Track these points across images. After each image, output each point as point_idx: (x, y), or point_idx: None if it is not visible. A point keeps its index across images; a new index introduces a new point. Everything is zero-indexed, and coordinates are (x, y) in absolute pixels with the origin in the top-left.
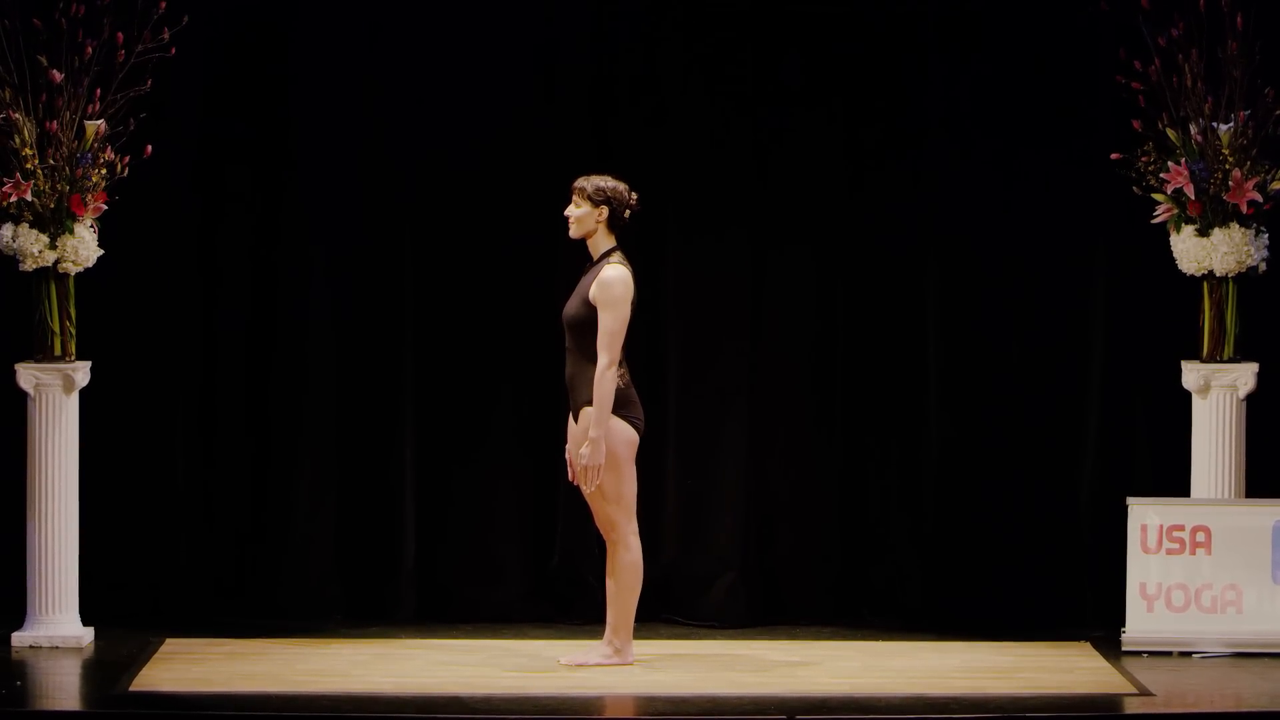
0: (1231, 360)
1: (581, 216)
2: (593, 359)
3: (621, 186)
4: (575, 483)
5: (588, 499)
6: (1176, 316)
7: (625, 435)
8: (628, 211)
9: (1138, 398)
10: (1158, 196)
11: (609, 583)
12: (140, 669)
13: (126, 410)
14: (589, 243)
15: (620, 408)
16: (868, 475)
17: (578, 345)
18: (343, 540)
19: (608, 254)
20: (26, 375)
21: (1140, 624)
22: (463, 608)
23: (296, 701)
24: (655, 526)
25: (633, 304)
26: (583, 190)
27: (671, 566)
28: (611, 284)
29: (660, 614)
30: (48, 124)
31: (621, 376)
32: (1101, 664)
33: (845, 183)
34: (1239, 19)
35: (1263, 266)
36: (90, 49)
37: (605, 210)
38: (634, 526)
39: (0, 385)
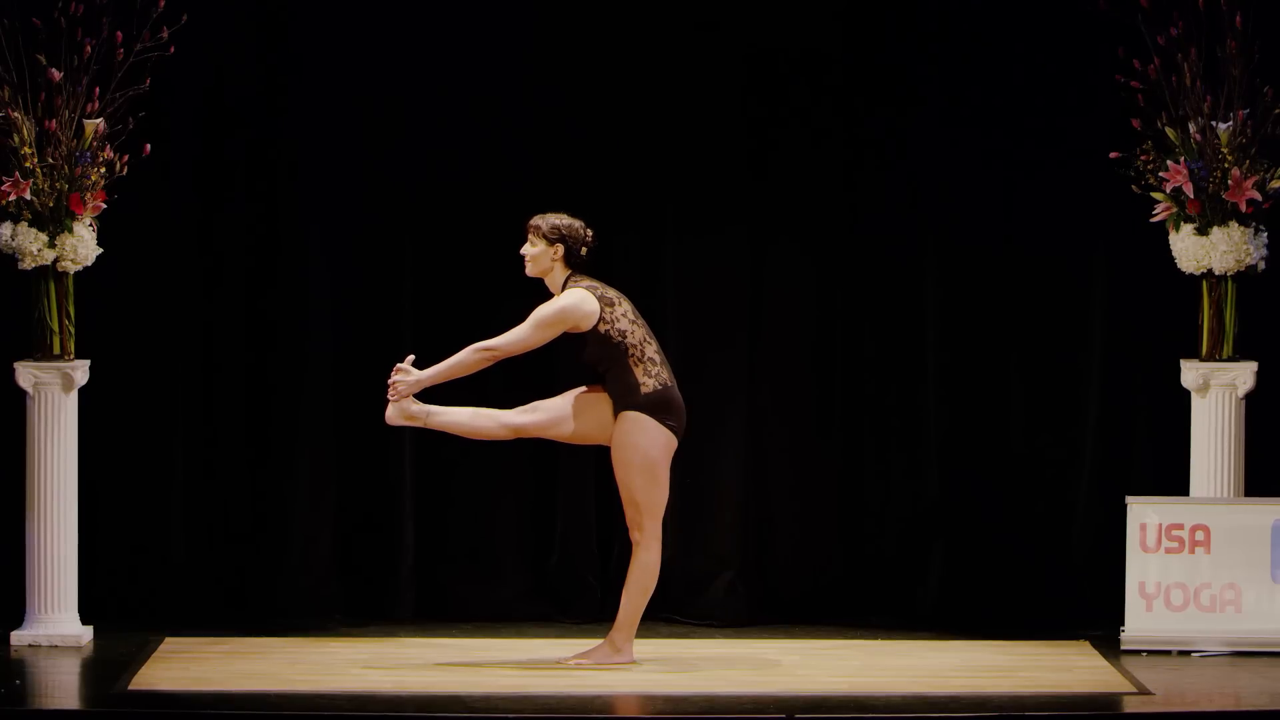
0: (1230, 359)
1: (537, 255)
2: (618, 372)
3: (577, 224)
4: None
5: (621, 495)
6: (1175, 315)
7: (662, 440)
8: (584, 249)
9: (1137, 396)
10: (1157, 195)
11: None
12: (139, 668)
13: (125, 409)
14: (547, 281)
15: (659, 412)
16: (866, 473)
17: (603, 368)
18: (342, 539)
19: (565, 284)
20: (25, 374)
21: (1139, 623)
22: (462, 606)
23: (295, 700)
24: None
25: (610, 303)
26: (538, 228)
27: (670, 565)
28: (553, 304)
29: (659, 613)
30: (47, 123)
31: (655, 376)
32: (1100, 663)
33: (844, 181)
34: (1238, 18)
35: (1262, 265)
36: (89, 48)
37: (561, 248)
38: (659, 530)
39: None
